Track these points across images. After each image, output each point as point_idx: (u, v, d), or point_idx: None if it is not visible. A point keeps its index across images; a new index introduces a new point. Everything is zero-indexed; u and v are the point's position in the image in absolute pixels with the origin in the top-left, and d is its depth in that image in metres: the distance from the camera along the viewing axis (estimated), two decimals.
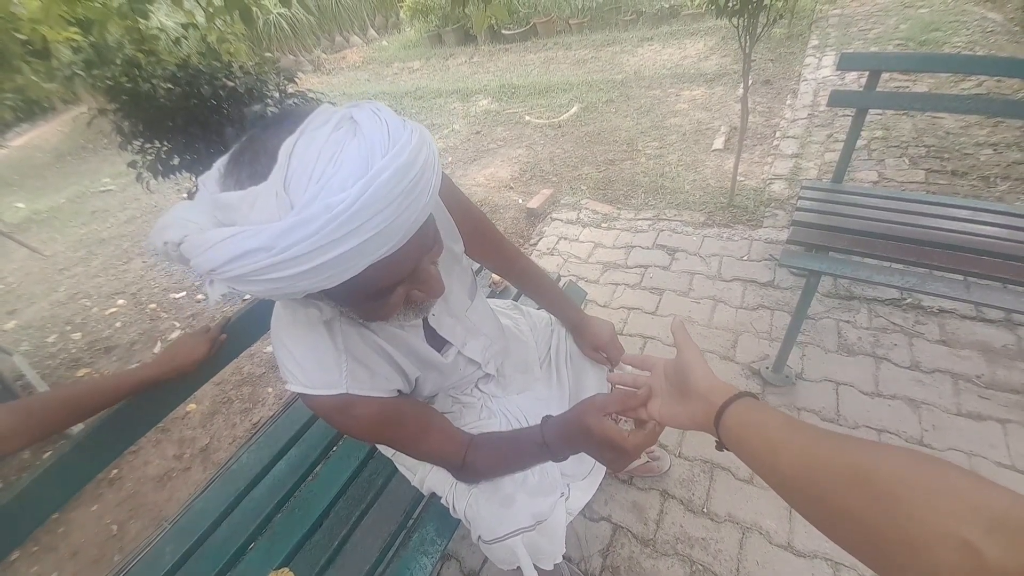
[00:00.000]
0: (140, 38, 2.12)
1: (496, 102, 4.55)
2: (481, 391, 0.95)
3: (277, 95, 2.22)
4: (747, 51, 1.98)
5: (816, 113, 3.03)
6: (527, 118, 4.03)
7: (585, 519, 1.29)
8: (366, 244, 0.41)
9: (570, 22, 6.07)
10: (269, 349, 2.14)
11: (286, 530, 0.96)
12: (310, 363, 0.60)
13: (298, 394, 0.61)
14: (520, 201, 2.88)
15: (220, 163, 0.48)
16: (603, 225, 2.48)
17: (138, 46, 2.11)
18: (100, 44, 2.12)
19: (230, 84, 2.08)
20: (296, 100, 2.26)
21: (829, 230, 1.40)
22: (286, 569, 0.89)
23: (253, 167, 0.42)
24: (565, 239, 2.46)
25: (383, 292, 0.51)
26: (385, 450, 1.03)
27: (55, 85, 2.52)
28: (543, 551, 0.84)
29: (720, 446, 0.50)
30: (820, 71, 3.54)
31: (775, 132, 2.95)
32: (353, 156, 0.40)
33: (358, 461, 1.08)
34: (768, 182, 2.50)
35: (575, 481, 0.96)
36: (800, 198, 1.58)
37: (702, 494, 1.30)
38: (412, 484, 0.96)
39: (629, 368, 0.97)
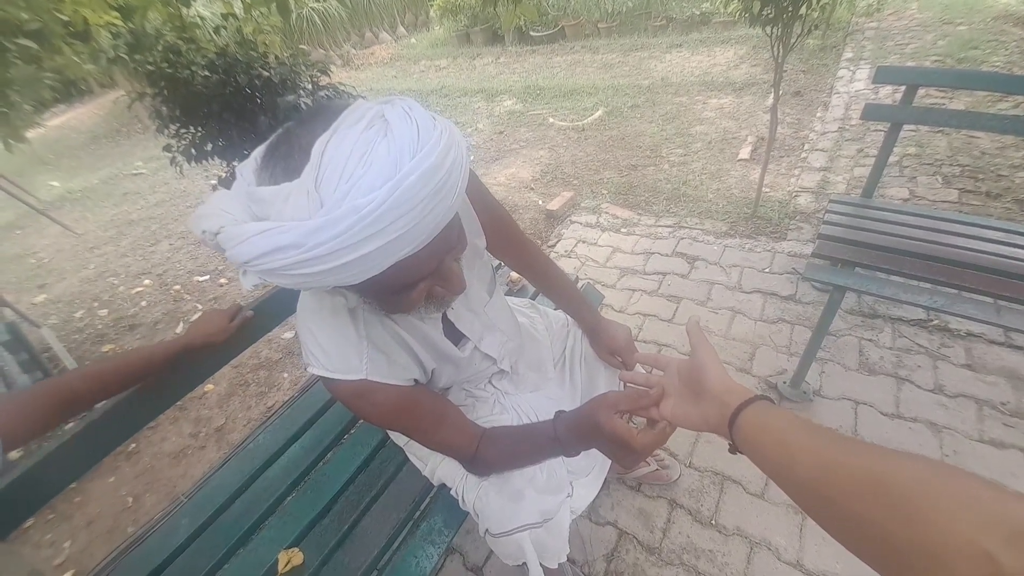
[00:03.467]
0: (181, 26, 2.18)
1: (520, 103, 4.56)
2: (495, 387, 0.95)
3: (309, 87, 2.27)
4: (779, 61, 1.96)
5: (847, 127, 2.97)
6: (550, 120, 4.03)
7: (591, 523, 1.29)
8: (390, 245, 0.43)
9: (599, 26, 6.06)
10: (287, 335, 2.18)
11: (298, 511, 0.98)
12: (332, 348, 0.61)
13: (319, 377, 0.62)
14: (540, 202, 2.88)
15: (257, 153, 0.49)
16: (622, 230, 2.47)
17: (179, 33, 2.17)
18: (138, 30, 2.19)
19: (265, 74, 2.13)
20: (327, 92, 2.30)
21: (856, 245, 1.38)
22: (296, 549, 0.91)
23: (287, 163, 0.44)
24: (584, 242, 2.45)
25: (406, 287, 0.52)
26: (397, 439, 1.05)
27: (94, 67, 2.60)
28: (548, 549, 0.84)
29: (733, 449, 0.49)
30: (853, 84, 3.46)
31: (803, 144, 2.90)
32: (382, 157, 0.41)
33: (370, 448, 1.09)
34: (794, 194, 2.46)
35: (579, 478, 0.96)
36: (828, 211, 1.55)
37: (711, 506, 1.28)
38: (423, 474, 0.98)
39: (642, 368, 0.98)
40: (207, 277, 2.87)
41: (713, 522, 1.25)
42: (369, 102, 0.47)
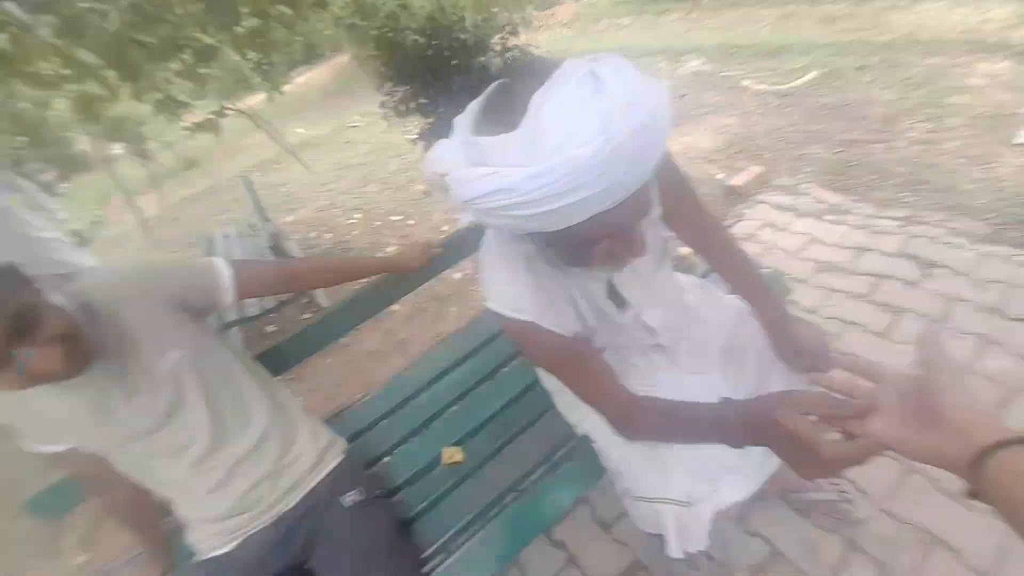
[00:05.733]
0: None
1: (710, 63, 4.09)
2: (650, 360, 0.91)
3: (498, 48, 2.37)
4: None
5: None
6: (745, 83, 3.53)
7: (743, 531, 1.18)
8: (593, 197, 0.45)
9: None
10: (456, 276, 2.44)
11: (460, 420, 1.13)
12: (508, 288, 0.67)
13: (493, 312, 0.68)
14: (719, 177, 2.59)
15: (474, 106, 0.54)
16: (827, 217, 2.08)
17: (398, 1, 2.43)
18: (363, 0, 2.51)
19: (462, 37, 2.29)
20: (514, 54, 2.38)
21: None
22: (458, 448, 1.03)
23: (505, 115, 0.48)
24: (771, 227, 2.14)
25: (591, 242, 0.56)
26: (547, 385, 1.07)
27: (331, 32, 3.13)
28: (686, 533, 0.80)
29: (972, 493, 0.38)
30: None
31: None
32: (595, 113, 0.43)
33: (523, 386, 1.16)
34: None
35: (728, 476, 0.85)
36: None
37: (910, 569, 1.04)
38: (567, 422, 1.00)
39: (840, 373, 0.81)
40: (400, 217, 3.35)
41: None
42: (579, 60, 0.48)
